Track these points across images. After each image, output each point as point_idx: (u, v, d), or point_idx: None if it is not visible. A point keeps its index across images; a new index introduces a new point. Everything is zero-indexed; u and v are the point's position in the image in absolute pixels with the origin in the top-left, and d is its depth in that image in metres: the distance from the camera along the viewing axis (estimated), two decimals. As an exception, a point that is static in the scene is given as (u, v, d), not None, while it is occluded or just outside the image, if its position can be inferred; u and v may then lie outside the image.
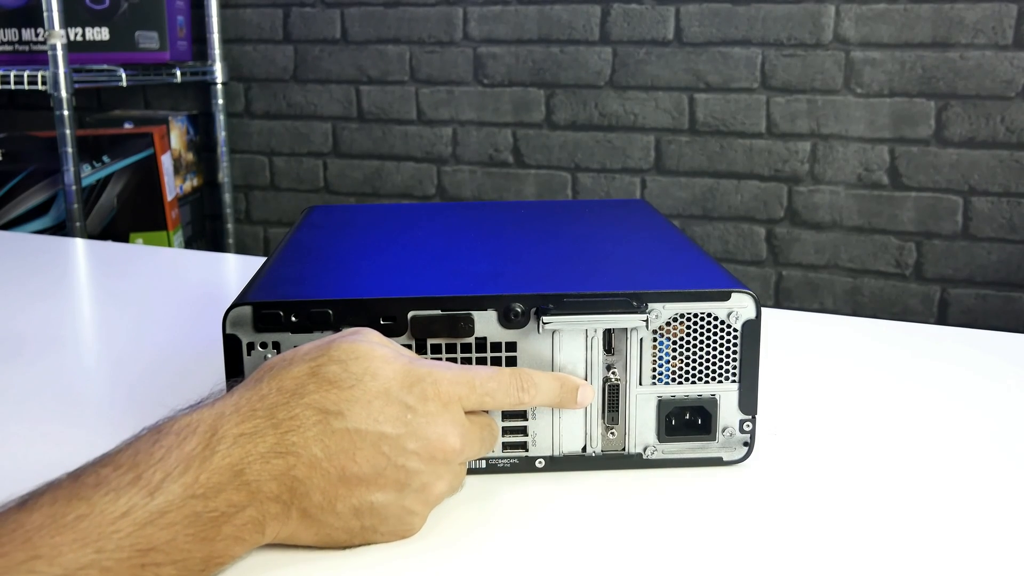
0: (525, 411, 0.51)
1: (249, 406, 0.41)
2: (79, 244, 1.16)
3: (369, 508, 0.42)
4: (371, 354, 0.44)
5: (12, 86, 1.74)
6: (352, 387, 0.42)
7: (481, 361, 0.50)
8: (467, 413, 0.46)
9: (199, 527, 0.38)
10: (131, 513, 0.36)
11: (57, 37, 1.68)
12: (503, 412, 0.51)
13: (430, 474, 0.44)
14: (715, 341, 0.51)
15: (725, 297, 0.50)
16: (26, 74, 1.73)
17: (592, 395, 0.50)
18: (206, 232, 2.23)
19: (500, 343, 0.50)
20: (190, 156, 2.15)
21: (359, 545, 0.44)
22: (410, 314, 0.49)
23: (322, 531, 0.43)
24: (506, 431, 0.51)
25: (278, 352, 0.49)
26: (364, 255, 0.60)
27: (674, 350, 0.51)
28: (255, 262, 1.01)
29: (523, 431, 0.51)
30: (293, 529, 0.42)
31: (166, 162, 1.99)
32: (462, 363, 0.50)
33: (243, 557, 0.41)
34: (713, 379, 0.51)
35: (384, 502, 0.43)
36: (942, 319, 1.77)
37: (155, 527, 0.37)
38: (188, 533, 0.38)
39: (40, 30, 1.86)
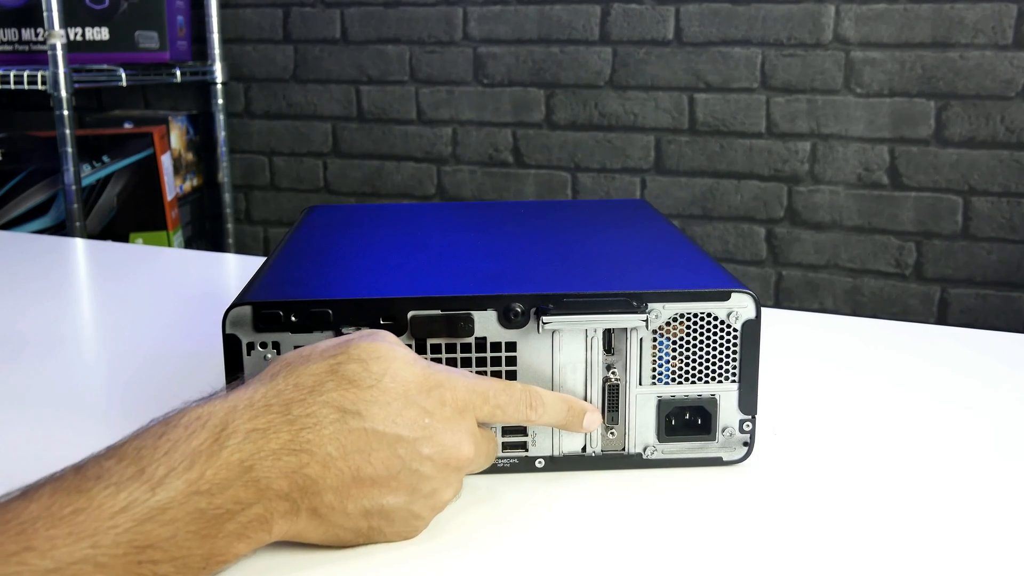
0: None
1: (264, 401, 0.41)
2: (79, 244, 1.16)
3: (379, 510, 0.42)
4: (391, 355, 0.43)
5: (12, 86, 1.74)
6: (372, 387, 0.42)
7: (481, 361, 0.50)
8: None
9: (201, 524, 0.37)
10: (130, 508, 0.36)
11: (57, 37, 1.68)
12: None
13: (440, 481, 0.44)
14: (715, 341, 0.51)
15: (725, 297, 0.50)
16: (26, 74, 1.73)
17: (599, 421, 0.51)
18: (206, 232, 2.23)
19: (500, 343, 0.50)
20: (190, 156, 2.15)
21: (363, 544, 0.44)
22: (410, 314, 0.49)
23: (330, 531, 0.42)
24: (506, 431, 0.51)
25: (278, 352, 0.49)
26: (364, 255, 0.60)
27: (674, 350, 0.51)
28: (255, 262, 1.01)
29: (523, 431, 0.51)
30: (301, 528, 0.42)
31: (166, 162, 1.99)
32: (462, 364, 0.50)
33: (248, 555, 0.41)
34: (713, 379, 0.51)
35: (394, 505, 0.43)
36: (942, 319, 1.77)
37: (155, 523, 0.36)
38: (190, 530, 0.37)
39: (40, 30, 1.86)
